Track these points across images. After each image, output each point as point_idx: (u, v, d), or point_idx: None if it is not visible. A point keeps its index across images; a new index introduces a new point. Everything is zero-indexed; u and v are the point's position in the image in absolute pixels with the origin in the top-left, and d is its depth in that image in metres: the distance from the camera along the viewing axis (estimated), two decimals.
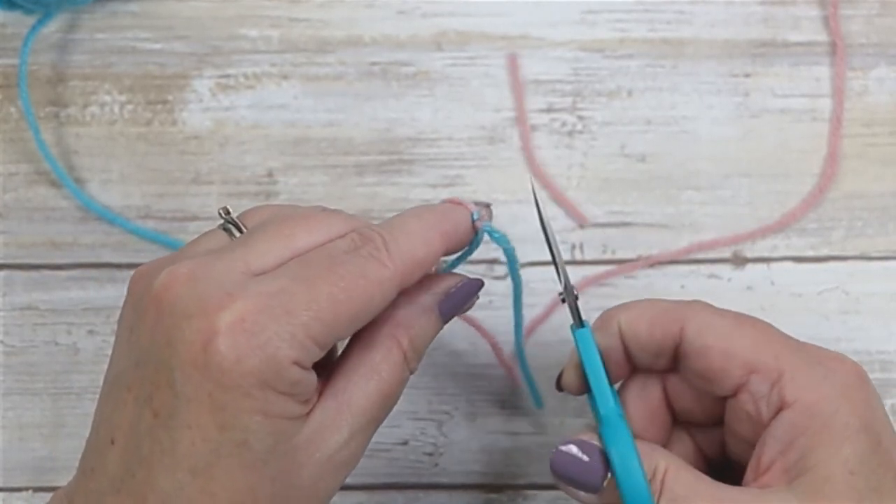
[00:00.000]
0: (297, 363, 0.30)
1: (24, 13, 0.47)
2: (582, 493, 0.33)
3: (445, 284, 0.35)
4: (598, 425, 0.33)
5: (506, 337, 0.46)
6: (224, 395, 0.29)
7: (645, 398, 0.37)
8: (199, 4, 0.48)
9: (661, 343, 0.35)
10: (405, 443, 0.46)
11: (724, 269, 0.46)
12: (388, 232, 0.33)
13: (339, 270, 0.31)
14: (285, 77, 0.47)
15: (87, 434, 0.45)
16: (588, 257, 0.46)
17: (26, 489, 0.45)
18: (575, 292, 0.35)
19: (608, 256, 0.46)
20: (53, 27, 0.48)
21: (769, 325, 0.35)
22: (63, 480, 0.45)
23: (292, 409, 0.30)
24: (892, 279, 0.46)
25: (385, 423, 0.45)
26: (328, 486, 0.31)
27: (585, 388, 0.36)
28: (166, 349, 0.30)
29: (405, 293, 0.34)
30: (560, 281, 0.35)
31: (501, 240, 0.35)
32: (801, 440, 0.32)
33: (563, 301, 0.35)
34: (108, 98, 0.47)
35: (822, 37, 0.47)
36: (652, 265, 0.46)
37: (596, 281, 0.46)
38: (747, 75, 0.47)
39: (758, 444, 0.33)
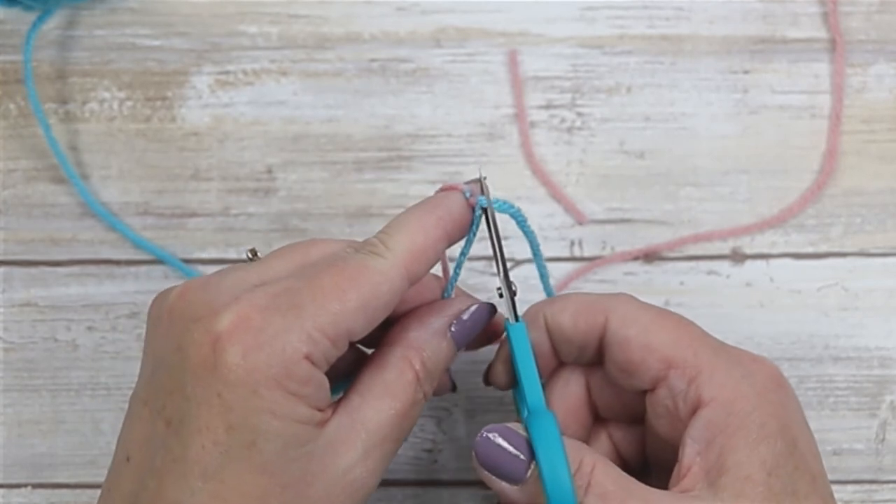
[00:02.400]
0: (307, 358, 0.30)
1: (23, 10, 0.47)
2: (504, 485, 0.32)
3: (457, 308, 0.35)
4: (525, 418, 0.33)
5: None
6: (232, 395, 0.29)
7: (567, 395, 0.37)
8: (199, 1, 0.48)
9: (585, 334, 0.35)
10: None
11: (724, 266, 0.46)
12: (384, 231, 0.33)
13: (341, 265, 0.31)
14: (284, 73, 0.47)
15: (86, 430, 0.46)
16: (587, 254, 0.46)
17: (25, 485, 0.45)
18: (513, 287, 0.35)
19: (607, 253, 0.46)
20: (53, 24, 0.48)
21: (691, 323, 0.35)
22: (62, 477, 0.45)
23: (302, 412, 0.30)
24: (891, 275, 0.46)
25: None
26: None
27: (512, 383, 0.36)
28: (177, 354, 0.30)
29: (417, 316, 0.34)
30: (499, 275, 0.35)
31: (503, 207, 0.35)
32: (718, 439, 0.32)
33: (501, 296, 0.35)
34: (107, 94, 0.47)
35: (822, 33, 0.47)
36: (641, 258, 0.46)
37: (577, 277, 0.46)
38: (746, 72, 0.47)
39: (680, 448, 0.33)
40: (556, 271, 0.46)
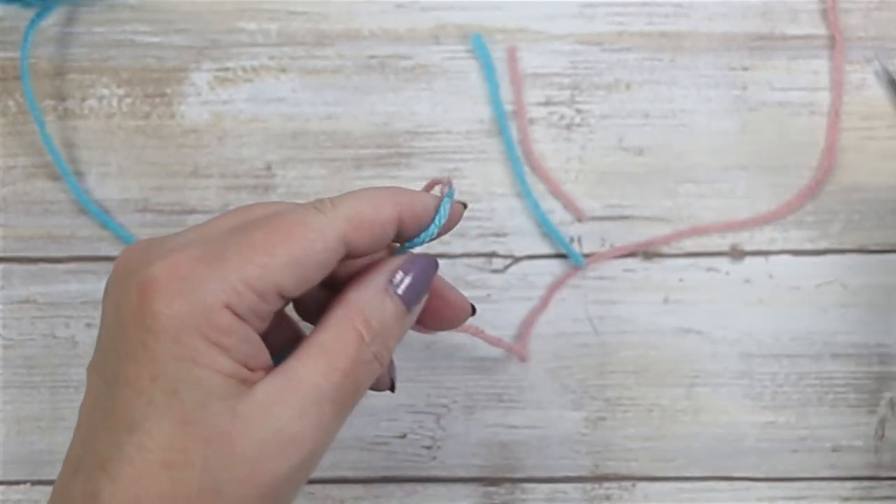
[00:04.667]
0: (229, 307, 0.29)
1: (21, 6, 0.46)
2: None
3: (396, 263, 0.34)
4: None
5: (505, 331, 0.46)
6: (156, 343, 0.29)
7: None
8: None
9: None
10: (403, 436, 0.46)
11: (723, 263, 0.46)
12: (337, 195, 0.33)
13: (277, 220, 0.31)
14: (283, 70, 0.47)
15: None
16: (586, 250, 0.46)
17: (24, 482, 0.45)
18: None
19: (606, 250, 0.46)
20: (51, 21, 0.48)
21: None
22: None
23: (225, 364, 0.30)
24: (890, 272, 0.46)
25: (383, 416, 0.45)
26: (275, 467, 0.30)
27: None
28: (115, 313, 0.30)
29: (356, 278, 0.34)
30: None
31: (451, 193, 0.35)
32: None
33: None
34: (106, 91, 0.47)
35: (821, 30, 0.47)
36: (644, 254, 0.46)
37: (574, 273, 0.46)
38: (745, 68, 0.47)
39: None
40: (555, 268, 0.46)
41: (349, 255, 0.32)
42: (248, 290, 0.30)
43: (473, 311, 0.37)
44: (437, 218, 0.34)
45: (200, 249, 0.30)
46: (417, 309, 0.34)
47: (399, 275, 0.33)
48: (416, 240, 0.35)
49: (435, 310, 0.36)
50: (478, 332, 0.43)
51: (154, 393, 0.29)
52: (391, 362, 0.37)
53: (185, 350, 0.29)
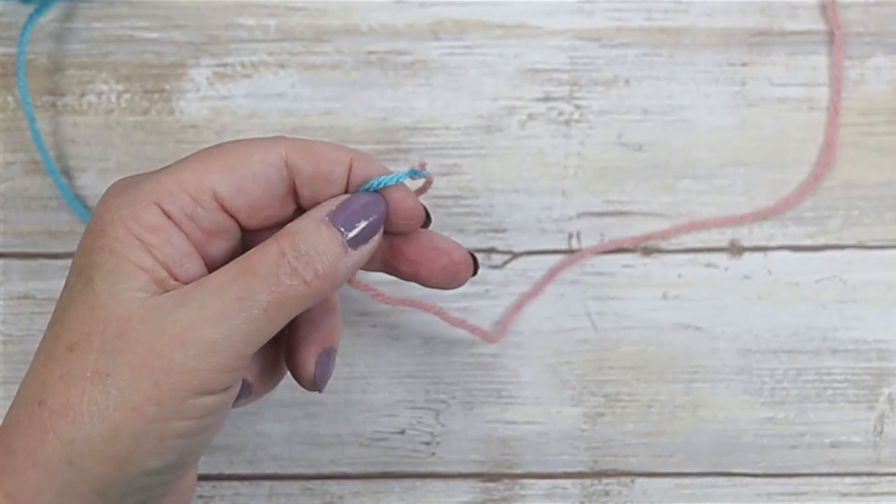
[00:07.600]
0: (158, 205, 0.30)
1: (20, 2, 0.46)
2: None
3: (337, 199, 0.33)
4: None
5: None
6: (86, 239, 0.31)
7: None
8: None
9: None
10: (402, 432, 0.46)
11: (721, 258, 0.46)
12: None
13: (224, 143, 0.33)
14: (282, 66, 0.47)
15: None
16: (585, 246, 0.46)
17: None
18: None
19: (606, 246, 0.46)
20: (50, 16, 0.48)
21: None
22: None
23: (144, 259, 0.30)
24: (889, 268, 0.46)
25: (382, 412, 0.46)
26: (170, 355, 0.29)
27: None
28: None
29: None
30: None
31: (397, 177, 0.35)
32: None
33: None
34: (104, 87, 0.47)
35: (820, 26, 0.47)
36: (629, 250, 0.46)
37: (570, 264, 0.46)
38: (744, 64, 0.47)
39: None
40: (555, 264, 0.46)
41: (300, 189, 0.33)
42: (181, 191, 0.31)
43: (475, 264, 0.37)
44: (393, 176, 0.34)
45: (155, 170, 0.32)
46: (365, 249, 0.33)
47: (338, 207, 0.33)
48: (367, 184, 0.34)
49: (429, 259, 0.36)
50: (440, 313, 0.42)
51: (75, 285, 0.30)
52: (325, 359, 0.36)
53: (106, 241, 0.30)
